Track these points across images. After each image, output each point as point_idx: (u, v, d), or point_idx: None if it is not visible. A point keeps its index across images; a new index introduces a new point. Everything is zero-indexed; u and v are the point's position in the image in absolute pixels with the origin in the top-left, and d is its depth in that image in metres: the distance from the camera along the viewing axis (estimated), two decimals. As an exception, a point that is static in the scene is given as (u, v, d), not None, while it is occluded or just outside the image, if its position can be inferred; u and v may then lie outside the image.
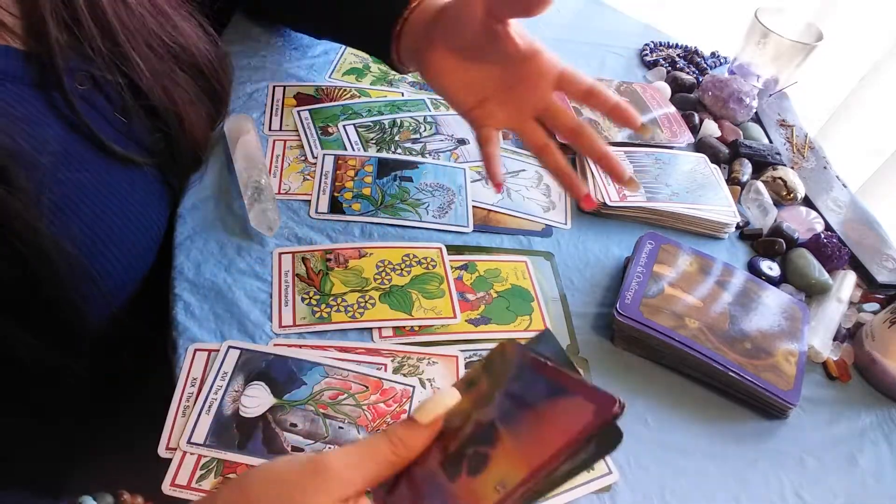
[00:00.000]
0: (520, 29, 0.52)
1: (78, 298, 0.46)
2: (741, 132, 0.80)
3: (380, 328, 0.52)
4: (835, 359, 0.59)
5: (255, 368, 0.47)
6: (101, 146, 0.48)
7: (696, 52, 0.94)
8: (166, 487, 0.41)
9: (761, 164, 0.76)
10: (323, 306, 0.52)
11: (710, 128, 0.79)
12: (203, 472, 0.41)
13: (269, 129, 0.65)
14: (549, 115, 0.56)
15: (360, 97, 0.71)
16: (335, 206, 0.59)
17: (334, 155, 0.64)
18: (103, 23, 0.48)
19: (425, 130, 0.69)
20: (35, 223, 0.41)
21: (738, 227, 0.69)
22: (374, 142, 0.66)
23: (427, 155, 0.67)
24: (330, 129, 0.66)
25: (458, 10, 0.53)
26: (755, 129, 0.82)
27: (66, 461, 0.61)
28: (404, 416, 0.46)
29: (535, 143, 0.57)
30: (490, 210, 0.63)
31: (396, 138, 0.67)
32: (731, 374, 0.52)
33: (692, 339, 0.53)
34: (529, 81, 0.54)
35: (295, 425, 0.44)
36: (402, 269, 0.56)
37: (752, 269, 0.65)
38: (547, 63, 0.54)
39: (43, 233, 0.42)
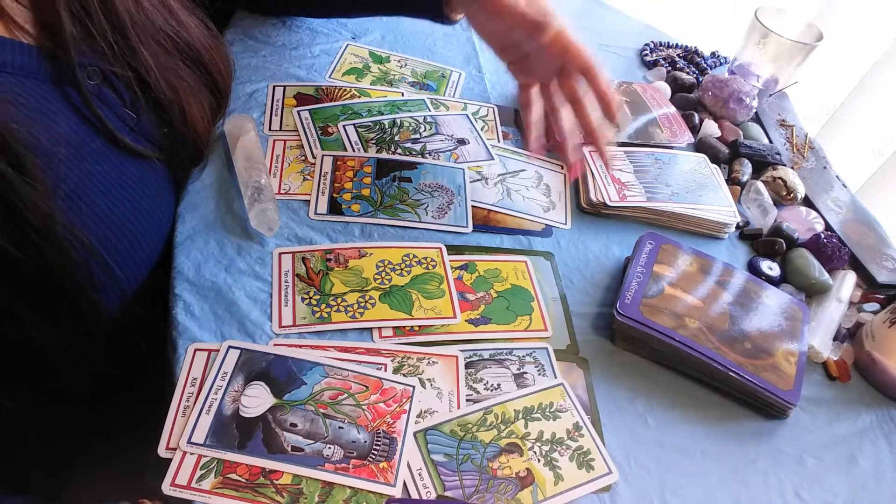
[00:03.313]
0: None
1: (90, 286, 0.46)
2: (741, 132, 0.80)
3: (380, 328, 0.52)
4: (835, 359, 0.59)
5: (255, 368, 0.47)
6: (114, 140, 0.49)
7: (696, 52, 0.94)
8: (166, 487, 0.41)
9: (761, 164, 0.76)
10: (323, 306, 0.52)
11: (710, 128, 0.79)
12: (203, 472, 0.41)
13: (269, 129, 0.65)
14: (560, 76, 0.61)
15: (360, 97, 0.71)
16: (334, 207, 0.59)
17: (333, 156, 0.64)
18: (114, 17, 0.48)
19: (425, 130, 0.69)
20: (51, 212, 0.42)
21: (738, 227, 0.69)
22: (374, 142, 0.66)
23: (427, 155, 0.67)
24: (330, 129, 0.66)
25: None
26: (755, 129, 0.82)
27: (66, 461, 0.61)
28: (404, 416, 0.46)
29: (548, 105, 0.64)
30: (490, 210, 0.63)
31: (396, 138, 0.67)
32: (730, 373, 0.52)
33: (692, 339, 0.53)
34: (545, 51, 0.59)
35: (295, 425, 0.44)
36: (402, 269, 0.56)
37: (752, 269, 0.65)
38: (556, 40, 0.58)
39: (58, 221, 0.43)
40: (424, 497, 0.43)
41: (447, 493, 0.43)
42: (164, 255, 0.54)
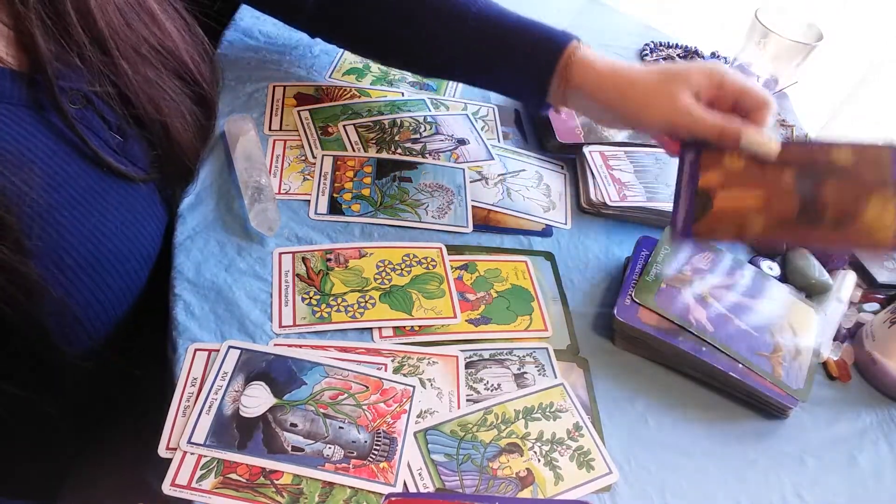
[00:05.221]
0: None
1: (62, 341, 0.45)
2: (741, 132, 0.80)
3: (380, 328, 0.52)
4: (835, 359, 0.59)
5: (256, 368, 0.47)
6: (96, 163, 0.47)
7: (696, 52, 0.94)
8: (166, 487, 0.41)
9: (761, 164, 0.76)
10: (323, 306, 0.52)
11: (710, 128, 0.79)
12: (203, 472, 0.41)
13: (269, 129, 0.65)
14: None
15: (360, 97, 0.71)
16: (334, 207, 0.59)
17: (333, 156, 0.64)
18: (93, 30, 0.46)
19: (425, 130, 0.69)
20: (23, 269, 0.40)
21: (738, 227, 0.69)
22: (374, 142, 0.66)
23: (427, 155, 0.67)
24: (330, 129, 0.66)
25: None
26: (755, 129, 0.82)
27: (63, 462, 0.61)
28: (404, 416, 0.46)
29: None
30: (490, 210, 0.63)
31: (396, 138, 0.67)
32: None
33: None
34: None
35: (295, 425, 0.44)
36: (402, 269, 0.56)
37: (752, 269, 0.65)
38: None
39: (31, 279, 0.41)
40: None
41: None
42: (146, 292, 0.52)
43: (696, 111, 0.53)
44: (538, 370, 0.52)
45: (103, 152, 0.47)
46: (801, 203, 0.51)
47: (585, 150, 0.70)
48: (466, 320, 0.54)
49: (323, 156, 0.63)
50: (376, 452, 0.44)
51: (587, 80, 0.57)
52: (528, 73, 0.59)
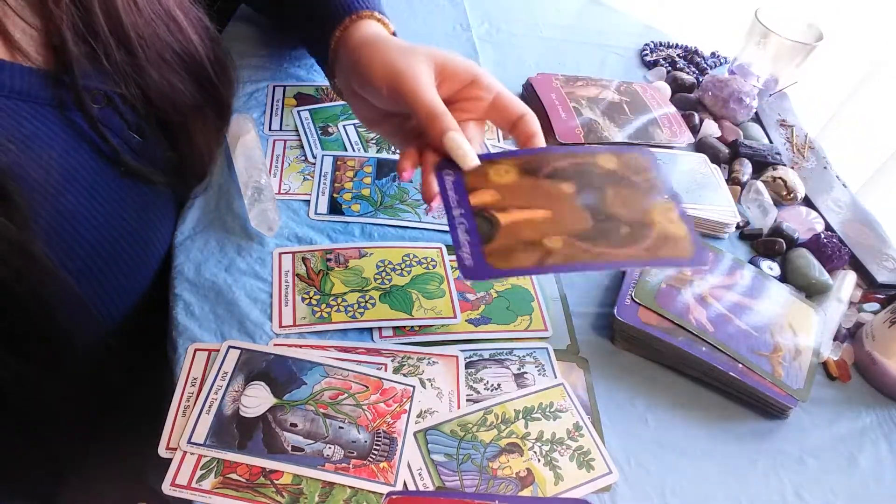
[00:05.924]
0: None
1: (69, 324, 0.45)
2: (741, 132, 0.80)
3: (380, 328, 0.52)
4: (835, 359, 0.59)
5: (256, 368, 0.47)
6: (116, 163, 0.47)
7: (696, 52, 0.94)
8: (166, 487, 0.41)
9: (761, 164, 0.76)
10: (323, 306, 0.52)
11: (710, 128, 0.79)
12: (203, 471, 0.41)
13: (269, 129, 0.65)
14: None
15: (360, 97, 0.71)
16: (334, 207, 0.59)
17: (333, 156, 0.64)
18: (119, 32, 0.46)
19: (425, 130, 0.69)
20: (29, 247, 0.41)
21: (738, 227, 0.69)
22: (374, 141, 0.66)
23: (427, 155, 0.67)
24: (330, 129, 0.66)
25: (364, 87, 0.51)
26: (755, 129, 0.82)
27: (61, 463, 0.61)
28: (404, 416, 0.46)
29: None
30: (490, 210, 0.63)
31: (396, 138, 0.67)
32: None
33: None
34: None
35: (295, 425, 0.44)
36: (402, 269, 0.56)
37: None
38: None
39: (38, 257, 0.41)
40: None
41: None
42: (154, 285, 0.53)
43: (424, 83, 0.47)
44: (538, 370, 0.52)
45: (123, 152, 0.48)
46: (592, 216, 0.44)
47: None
48: (466, 320, 0.54)
49: (323, 156, 0.63)
50: (376, 452, 0.44)
51: (351, 45, 0.53)
52: (318, 21, 0.57)
